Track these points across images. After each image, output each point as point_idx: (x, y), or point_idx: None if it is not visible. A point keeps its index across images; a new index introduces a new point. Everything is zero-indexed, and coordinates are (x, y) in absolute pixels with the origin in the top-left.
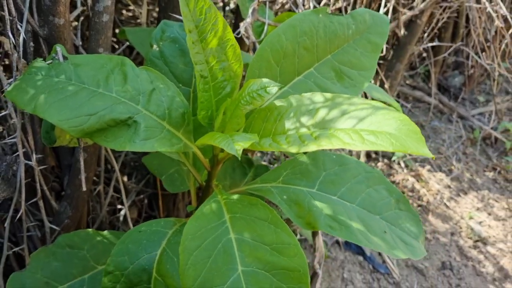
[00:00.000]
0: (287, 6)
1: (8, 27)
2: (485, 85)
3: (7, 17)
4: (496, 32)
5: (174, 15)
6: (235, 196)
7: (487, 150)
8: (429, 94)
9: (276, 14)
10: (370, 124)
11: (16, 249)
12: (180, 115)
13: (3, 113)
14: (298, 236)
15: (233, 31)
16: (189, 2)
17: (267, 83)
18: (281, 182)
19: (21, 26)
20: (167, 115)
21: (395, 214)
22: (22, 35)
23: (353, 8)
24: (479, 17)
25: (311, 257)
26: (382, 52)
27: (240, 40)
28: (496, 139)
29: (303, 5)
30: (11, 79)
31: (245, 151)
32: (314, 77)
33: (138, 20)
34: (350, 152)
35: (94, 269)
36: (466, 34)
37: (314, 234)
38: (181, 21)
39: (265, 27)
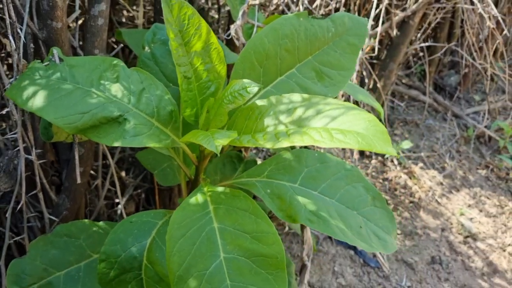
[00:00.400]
0: (281, 8)
1: (9, 30)
2: (482, 84)
3: (8, 21)
4: (489, 32)
5: None
6: (220, 189)
7: (481, 148)
8: (425, 93)
9: (272, 14)
10: (341, 123)
11: (17, 238)
12: (168, 113)
13: (5, 110)
14: (287, 229)
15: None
16: (173, 9)
17: (248, 83)
18: (265, 176)
19: (21, 29)
20: (155, 113)
21: (371, 210)
22: (22, 38)
23: (347, 10)
24: (473, 18)
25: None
26: (374, 52)
27: (232, 41)
28: (490, 137)
29: (296, 5)
30: (12, 79)
31: (238, 148)
32: (296, 77)
33: (137, 21)
34: (344, 150)
35: (90, 257)
36: (461, 34)
37: (302, 228)
38: None
39: (254, 29)
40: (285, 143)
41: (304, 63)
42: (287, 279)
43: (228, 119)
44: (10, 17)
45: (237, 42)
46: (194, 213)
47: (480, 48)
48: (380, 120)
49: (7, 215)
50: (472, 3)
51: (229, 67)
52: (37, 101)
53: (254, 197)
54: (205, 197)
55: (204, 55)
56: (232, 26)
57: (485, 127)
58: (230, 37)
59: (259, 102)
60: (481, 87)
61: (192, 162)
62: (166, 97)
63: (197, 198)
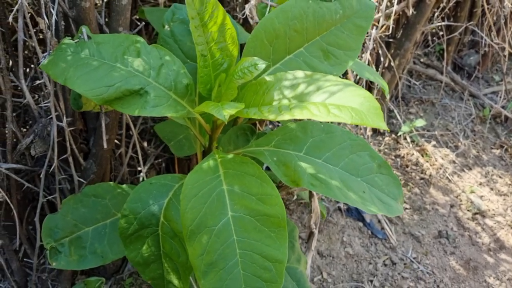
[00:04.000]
0: None
1: (43, 9)
2: (502, 64)
3: (42, 0)
4: (508, 12)
5: None
6: (229, 156)
7: (497, 128)
8: (442, 73)
9: None
10: (338, 98)
11: (49, 197)
12: (184, 86)
13: (39, 82)
14: (295, 197)
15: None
16: None
17: (257, 61)
18: (272, 146)
19: (53, 9)
20: (173, 86)
21: (376, 177)
22: (54, 16)
23: None
24: None
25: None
26: (389, 30)
27: (247, 20)
28: (506, 117)
29: None
30: (46, 53)
31: (252, 122)
32: (304, 56)
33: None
34: (357, 126)
35: (115, 215)
36: (482, 14)
37: (311, 197)
38: None
39: (268, 9)
40: (286, 116)
41: (311, 43)
42: (287, 237)
43: (239, 93)
44: None
45: (251, 21)
46: (206, 175)
47: (499, 28)
48: (385, 97)
49: (41, 176)
50: None
51: (242, 47)
52: (69, 75)
53: (267, 168)
54: (216, 163)
55: (219, 35)
56: (246, 6)
57: (502, 107)
58: (245, 15)
59: (267, 78)
60: (502, 67)
61: (206, 132)
62: (183, 72)
63: (209, 163)
